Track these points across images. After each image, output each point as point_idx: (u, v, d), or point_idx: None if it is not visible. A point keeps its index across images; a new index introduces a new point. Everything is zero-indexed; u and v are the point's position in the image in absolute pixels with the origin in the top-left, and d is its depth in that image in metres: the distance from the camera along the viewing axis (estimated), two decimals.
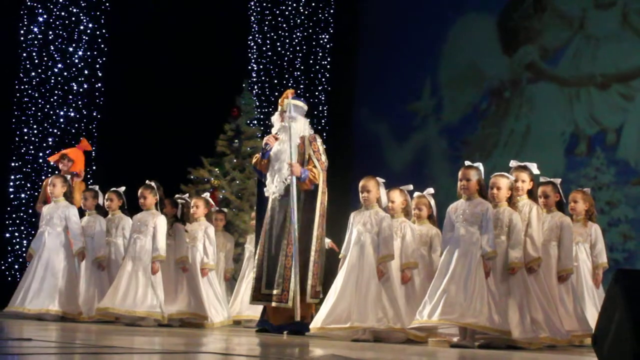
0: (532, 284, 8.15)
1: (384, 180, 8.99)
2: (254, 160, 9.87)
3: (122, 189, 10.96)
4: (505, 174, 8.36)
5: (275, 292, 9.21)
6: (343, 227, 9.14)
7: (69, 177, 11.41)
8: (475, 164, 8.27)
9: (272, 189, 9.43)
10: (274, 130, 9.73)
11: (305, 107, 9.81)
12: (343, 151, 15.83)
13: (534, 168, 8.48)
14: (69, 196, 10.79)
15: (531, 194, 8.44)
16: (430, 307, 7.80)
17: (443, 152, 16.21)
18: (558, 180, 9.03)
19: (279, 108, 9.70)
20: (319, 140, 9.64)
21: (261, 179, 9.74)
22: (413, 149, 16.63)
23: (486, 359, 6.36)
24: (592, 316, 8.62)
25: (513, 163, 8.55)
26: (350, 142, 16.93)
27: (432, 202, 9.41)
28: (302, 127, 9.59)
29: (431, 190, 9.45)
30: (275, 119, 9.76)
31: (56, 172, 12.00)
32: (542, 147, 14.60)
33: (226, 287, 11.49)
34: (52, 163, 13.14)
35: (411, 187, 9.32)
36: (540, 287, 8.20)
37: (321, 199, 9.44)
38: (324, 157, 9.54)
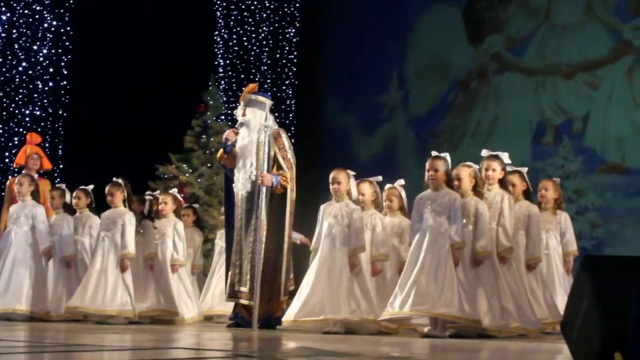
0: (504, 274, 8.18)
1: (354, 173, 9.00)
2: (218, 155, 9.83)
3: (91, 187, 10.88)
4: (468, 163, 8.38)
5: (243, 289, 9.20)
6: (312, 220, 9.13)
7: (35, 175, 11.33)
8: (443, 154, 8.28)
9: (239, 185, 9.38)
10: (237, 125, 9.68)
11: (266, 101, 9.68)
12: (311, 144, 15.84)
13: (505, 157, 8.50)
14: (36, 195, 10.71)
15: (502, 183, 8.46)
16: (401, 298, 7.81)
17: (411, 144, 16.24)
18: (525, 169, 9.07)
19: (240, 102, 9.65)
20: (283, 136, 9.56)
21: (227, 173, 9.70)
22: (381, 141, 16.65)
23: (458, 349, 6.38)
24: (563, 303, 8.60)
25: (485, 152, 8.57)
26: (318, 135, 16.93)
27: (403, 193, 9.40)
28: (261, 121, 9.45)
29: (402, 181, 9.45)
30: (237, 113, 9.70)
31: (22, 171, 11.88)
32: (509, 136, 14.67)
33: (194, 283, 11.43)
34: (17, 167, 12.98)
35: (380, 178, 9.32)
36: (511, 276, 8.24)
37: (290, 197, 9.42)
38: (290, 154, 9.48)
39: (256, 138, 9.38)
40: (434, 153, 8.31)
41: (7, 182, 12.05)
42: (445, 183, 8.14)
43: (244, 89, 9.90)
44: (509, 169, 8.64)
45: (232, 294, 9.36)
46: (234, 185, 9.44)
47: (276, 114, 9.96)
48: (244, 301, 9.18)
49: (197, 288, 11.22)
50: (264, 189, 9.18)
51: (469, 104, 15.85)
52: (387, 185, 9.40)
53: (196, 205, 12.44)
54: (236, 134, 9.46)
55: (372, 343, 6.87)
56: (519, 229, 8.59)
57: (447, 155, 8.27)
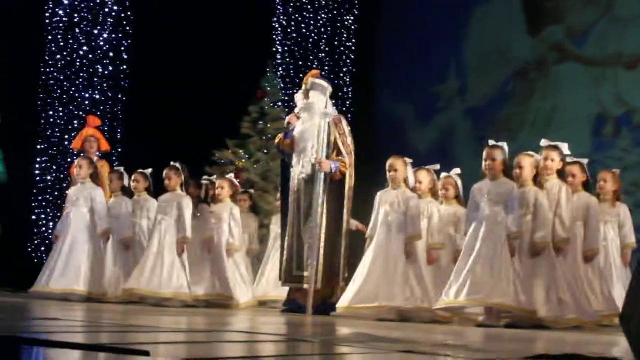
0: (561, 265, 8.11)
1: (411, 161, 8.98)
2: (276, 141, 9.85)
3: (149, 170, 10.97)
4: (530, 152, 8.32)
5: (305, 274, 9.21)
6: (367, 208, 9.13)
7: (95, 158, 11.45)
8: (500, 144, 8.24)
9: (299, 169, 9.40)
10: (296, 110, 9.70)
11: (328, 87, 9.75)
12: (367, 132, 15.79)
13: (564, 148, 8.43)
14: (95, 178, 10.83)
15: (561, 174, 8.38)
16: (457, 288, 7.79)
17: (468, 134, 16.14)
18: (585, 161, 8.98)
19: (303, 87, 9.67)
20: (344, 122, 9.63)
21: (285, 159, 9.72)
22: (437, 131, 16.58)
23: (513, 338, 6.34)
24: (620, 296, 8.57)
25: (544, 142, 8.50)
26: (374, 123, 16.89)
27: (459, 182, 9.38)
28: (322, 105, 9.53)
29: (458, 170, 9.42)
30: (298, 97, 9.73)
31: (81, 154, 12.02)
32: (568, 128, 14.50)
33: (249, 268, 11.47)
34: (76, 151, 13.14)
35: (438, 167, 9.30)
36: (568, 267, 8.16)
37: (349, 182, 9.44)
38: (349, 140, 9.53)
39: (318, 122, 9.40)
40: (491, 142, 8.26)
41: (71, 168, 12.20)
42: (503, 173, 8.09)
43: (302, 75, 9.94)
44: (568, 159, 8.56)
45: (290, 279, 9.38)
46: (292, 169, 9.45)
47: (333, 102, 9.96)
48: (305, 285, 9.18)
49: (251, 273, 11.27)
50: (322, 175, 9.20)
51: (527, 94, 15.71)
52: (443, 174, 9.38)
53: (252, 191, 12.49)
54: (298, 118, 9.48)
55: (426, 331, 6.86)
56: (577, 220, 8.50)
57: (504, 145, 8.22)
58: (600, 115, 14.81)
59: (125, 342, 4.25)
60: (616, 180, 9.56)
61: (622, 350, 5.27)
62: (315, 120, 9.42)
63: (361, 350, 4.44)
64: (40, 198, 15.11)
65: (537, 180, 8.18)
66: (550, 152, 8.36)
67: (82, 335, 4.92)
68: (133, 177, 10.94)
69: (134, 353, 3.43)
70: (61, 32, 15.41)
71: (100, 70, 15.53)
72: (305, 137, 9.40)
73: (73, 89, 15.37)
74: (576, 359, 4.15)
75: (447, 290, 7.90)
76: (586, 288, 8.28)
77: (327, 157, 9.29)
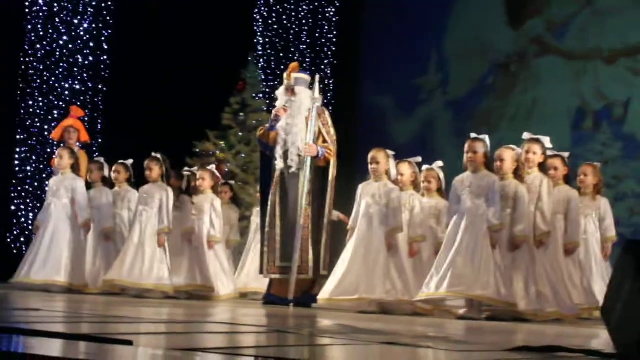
0: (541, 258, 8.14)
1: (393, 153, 8.99)
2: (259, 133, 9.83)
3: (130, 161, 10.94)
4: (511, 146, 8.34)
5: (286, 264, 9.21)
6: (349, 199, 9.13)
7: (76, 149, 11.40)
8: (482, 137, 8.26)
9: (286, 163, 9.38)
10: (277, 104, 9.71)
11: (309, 79, 9.80)
12: (349, 124, 15.79)
13: (546, 141, 8.45)
14: (76, 168, 10.78)
15: (542, 167, 8.41)
16: (438, 279, 7.81)
17: (449, 126, 16.17)
18: (566, 154, 9.02)
19: (285, 82, 9.67)
20: (327, 113, 9.68)
21: (265, 151, 9.70)
22: (418, 123, 16.59)
23: (493, 331, 6.37)
24: (600, 289, 8.62)
25: (526, 135, 8.53)
26: (355, 115, 16.88)
27: (442, 175, 9.39)
28: (308, 100, 9.57)
29: (440, 163, 9.43)
30: (280, 92, 9.74)
31: (61, 144, 11.97)
32: (548, 121, 14.54)
33: (230, 259, 11.46)
34: (56, 141, 13.11)
35: (420, 159, 9.31)
36: (548, 260, 8.19)
37: (332, 172, 9.46)
38: (332, 130, 9.58)
39: (305, 116, 9.44)
40: (472, 135, 8.28)
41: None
42: (484, 165, 8.11)
43: (282, 67, 9.93)
44: (549, 153, 8.58)
45: (274, 271, 9.37)
46: (275, 162, 9.44)
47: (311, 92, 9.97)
48: (302, 276, 9.19)
49: (232, 265, 11.26)
50: (308, 163, 9.21)
51: (508, 87, 15.75)
52: (426, 167, 9.39)
53: (233, 182, 12.48)
54: (285, 110, 9.48)
55: (407, 323, 6.87)
56: (557, 213, 8.53)
57: (486, 137, 8.25)
58: (581, 109, 14.87)
59: (107, 332, 4.24)
60: (597, 174, 9.59)
61: (602, 342, 5.30)
62: (303, 113, 9.44)
63: (342, 341, 4.44)
64: (19, 189, 15.03)
65: (518, 173, 8.20)
66: (532, 145, 8.39)
67: (64, 325, 4.91)
68: (114, 168, 10.91)
69: (117, 342, 3.42)
70: (41, 21, 15.33)
71: (81, 60, 15.46)
72: (293, 131, 9.40)
73: (53, 78, 15.29)
74: (557, 350, 4.17)
75: (427, 283, 7.92)
76: (566, 281, 8.31)
77: (314, 143, 9.32)
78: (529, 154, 8.34)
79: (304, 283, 9.23)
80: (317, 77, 9.67)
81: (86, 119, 14.40)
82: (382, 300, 8.43)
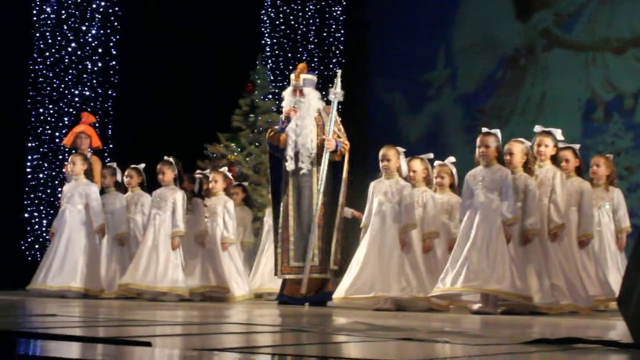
0: (555, 250, 8.13)
1: (404, 150, 8.99)
2: (268, 135, 9.85)
3: (142, 165, 10.98)
4: (521, 139, 8.33)
5: (311, 263, 9.23)
6: (360, 197, 9.14)
7: (89, 154, 11.43)
8: (493, 131, 8.25)
9: (297, 164, 9.39)
10: (284, 105, 9.74)
11: (316, 80, 9.87)
12: (358, 122, 15.78)
13: (558, 134, 8.43)
14: (89, 174, 10.82)
15: (555, 160, 8.39)
16: (453, 275, 7.80)
17: (459, 122, 16.14)
18: (577, 146, 9.00)
19: (293, 83, 9.68)
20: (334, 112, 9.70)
21: (275, 153, 9.71)
22: (428, 119, 16.56)
23: (509, 325, 6.36)
24: (615, 280, 8.61)
25: (538, 128, 8.52)
26: (365, 113, 16.87)
27: (454, 170, 9.39)
28: (316, 101, 9.62)
29: (452, 159, 9.43)
30: (287, 93, 9.75)
31: (73, 150, 12.00)
32: (558, 113, 14.51)
33: (244, 261, 11.48)
34: (68, 147, 13.15)
35: (431, 155, 9.31)
36: (562, 253, 8.18)
37: (346, 167, 9.49)
38: (342, 128, 9.61)
39: (314, 117, 9.47)
40: (484, 129, 8.28)
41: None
42: (497, 159, 8.10)
43: (291, 67, 9.95)
44: (560, 145, 8.57)
45: (287, 270, 9.40)
46: (285, 164, 9.46)
47: (323, 93, 10.01)
48: (315, 275, 9.21)
49: (247, 266, 11.27)
50: (326, 158, 9.23)
51: (517, 81, 15.72)
52: (438, 162, 9.38)
53: (245, 184, 12.49)
54: (295, 111, 9.51)
55: (423, 319, 6.88)
56: (571, 205, 8.51)
57: (497, 132, 8.24)
58: (591, 100, 14.83)
59: (124, 335, 4.25)
60: (609, 165, 9.57)
61: (619, 333, 5.29)
62: (311, 116, 9.48)
63: (359, 338, 4.45)
64: (32, 196, 15.07)
65: (527, 166, 8.19)
66: (544, 137, 8.37)
67: (81, 329, 4.93)
68: (126, 173, 10.96)
69: (136, 344, 3.44)
70: (49, 29, 15.36)
71: (90, 67, 15.48)
72: (303, 132, 9.44)
73: (63, 85, 15.33)
74: (574, 342, 4.17)
75: (443, 278, 7.92)
76: (581, 273, 8.29)
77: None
78: (540, 147, 8.32)
79: (318, 281, 9.25)
80: (339, 72, 9.72)
81: (96, 124, 14.43)
82: (398, 298, 8.43)
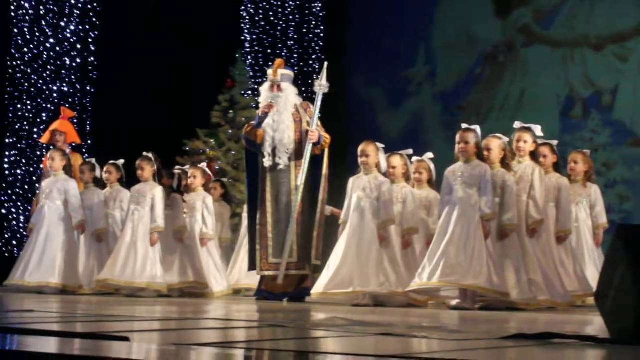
0: (534, 246, 8.16)
1: (383, 146, 9.00)
2: (245, 130, 9.81)
3: (121, 161, 10.95)
4: (498, 135, 8.36)
5: (290, 260, 9.23)
6: (339, 194, 9.14)
7: (67, 150, 11.39)
8: (473, 127, 8.27)
9: (274, 160, 9.39)
10: (261, 100, 9.73)
11: (293, 75, 9.89)
12: (338, 118, 15.78)
13: (537, 130, 8.46)
14: (68, 170, 10.77)
15: (534, 156, 8.42)
16: (430, 269, 7.82)
17: (438, 118, 16.17)
18: (555, 142, 9.04)
19: (271, 78, 9.66)
20: (312, 107, 9.69)
21: (252, 149, 9.70)
22: (408, 115, 16.58)
23: (487, 320, 6.38)
24: (592, 276, 8.65)
25: (517, 124, 8.55)
26: (344, 109, 16.86)
27: (432, 166, 9.42)
28: (293, 96, 9.62)
29: (430, 154, 9.45)
30: (264, 89, 9.74)
31: (51, 147, 11.95)
32: (537, 110, 14.54)
33: (222, 256, 11.47)
34: (45, 144, 13.11)
35: (411, 151, 9.33)
36: (541, 249, 8.21)
37: (327, 162, 9.49)
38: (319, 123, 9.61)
39: (291, 113, 9.47)
40: (464, 125, 8.29)
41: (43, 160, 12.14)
42: (476, 155, 8.12)
43: (270, 63, 9.95)
44: (538, 141, 8.59)
45: (266, 267, 9.39)
46: (263, 160, 9.44)
47: (303, 89, 10.03)
48: (294, 272, 9.21)
49: (224, 262, 11.26)
50: (308, 150, 9.22)
51: (496, 77, 15.76)
52: (416, 158, 9.41)
53: (224, 180, 12.48)
54: (273, 107, 9.49)
55: (401, 315, 6.89)
56: (549, 201, 8.55)
57: (477, 128, 8.26)
58: (569, 97, 14.88)
59: (102, 331, 4.24)
60: (587, 161, 9.62)
61: (596, 328, 5.32)
62: (288, 111, 9.47)
63: (337, 334, 4.45)
64: (10, 192, 15.01)
65: (505, 162, 8.21)
66: (523, 133, 8.40)
67: (59, 324, 4.91)
68: (105, 169, 10.92)
69: (113, 339, 3.43)
70: (27, 24, 15.30)
71: (68, 62, 15.43)
72: (280, 128, 9.43)
73: (41, 81, 15.27)
74: (551, 337, 4.19)
75: (420, 273, 7.93)
76: (559, 269, 8.32)
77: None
78: (519, 143, 8.35)
79: (297, 277, 9.25)
80: (326, 64, 9.72)
81: (75, 120, 14.39)
82: (376, 293, 8.45)
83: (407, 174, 9.15)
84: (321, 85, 9.47)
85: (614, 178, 14.12)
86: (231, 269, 11.27)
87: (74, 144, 12.32)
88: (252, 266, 9.61)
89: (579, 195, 9.47)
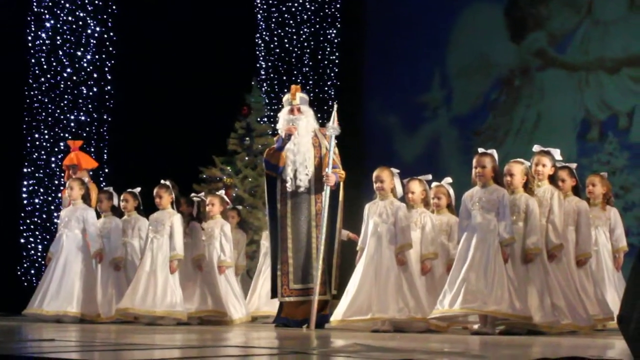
0: (554, 270, 8.11)
1: (398, 171, 8.99)
2: (266, 154, 9.81)
3: (138, 189, 10.98)
4: (520, 159, 8.32)
5: (311, 285, 9.21)
6: (356, 220, 9.13)
7: (86, 179, 11.43)
8: (489, 151, 8.25)
9: (296, 182, 9.41)
10: (280, 125, 9.74)
11: (308, 99, 9.96)
12: (354, 145, 15.79)
13: (556, 154, 8.43)
14: (86, 199, 10.82)
15: (553, 180, 8.38)
16: (451, 296, 7.78)
17: (454, 143, 16.16)
18: (574, 165, 9.01)
19: (290, 103, 9.68)
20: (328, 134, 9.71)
21: (273, 172, 9.68)
22: (424, 140, 16.57)
23: (509, 345, 6.35)
24: (612, 300, 8.61)
25: (536, 148, 8.52)
26: (360, 135, 16.87)
27: (451, 191, 9.41)
28: (312, 119, 9.67)
29: (449, 179, 9.45)
30: (283, 113, 9.76)
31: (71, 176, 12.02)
32: (554, 134, 14.52)
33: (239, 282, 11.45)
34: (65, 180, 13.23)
35: (430, 176, 9.33)
36: (561, 273, 8.16)
37: (342, 192, 9.49)
38: (337, 151, 9.62)
39: (311, 136, 9.51)
40: (480, 150, 8.28)
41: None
42: (493, 180, 8.10)
43: (286, 90, 9.98)
44: (557, 164, 8.56)
45: (287, 293, 9.38)
46: (286, 184, 9.45)
47: (318, 115, 10.05)
48: (319, 297, 9.16)
49: (241, 289, 11.25)
50: (327, 198, 9.23)
51: (512, 101, 15.75)
52: (435, 184, 9.40)
53: (240, 207, 12.48)
54: (296, 129, 9.53)
55: (421, 340, 6.86)
56: (568, 224, 8.52)
57: (494, 152, 8.24)
58: (585, 120, 14.85)
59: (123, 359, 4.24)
60: (605, 183, 9.59)
61: (618, 352, 5.28)
62: (309, 134, 9.52)
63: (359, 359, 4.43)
64: (28, 221, 15.06)
65: (527, 186, 8.19)
66: (542, 157, 8.37)
67: (79, 354, 4.90)
68: (122, 197, 10.96)
69: None
70: (44, 54, 15.41)
71: (85, 92, 15.51)
72: (301, 150, 9.46)
73: (58, 111, 15.36)
74: None
75: (441, 299, 7.90)
76: (580, 293, 8.27)
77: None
78: (538, 167, 8.32)
79: (318, 303, 9.22)
80: (335, 106, 9.71)
81: (92, 149, 14.46)
82: (395, 319, 8.41)
83: (426, 200, 9.14)
84: (333, 127, 9.47)
85: (632, 201, 14.06)
86: (250, 296, 11.26)
87: (92, 171, 12.35)
88: (274, 294, 9.58)
89: (598, 219, 9.43)
